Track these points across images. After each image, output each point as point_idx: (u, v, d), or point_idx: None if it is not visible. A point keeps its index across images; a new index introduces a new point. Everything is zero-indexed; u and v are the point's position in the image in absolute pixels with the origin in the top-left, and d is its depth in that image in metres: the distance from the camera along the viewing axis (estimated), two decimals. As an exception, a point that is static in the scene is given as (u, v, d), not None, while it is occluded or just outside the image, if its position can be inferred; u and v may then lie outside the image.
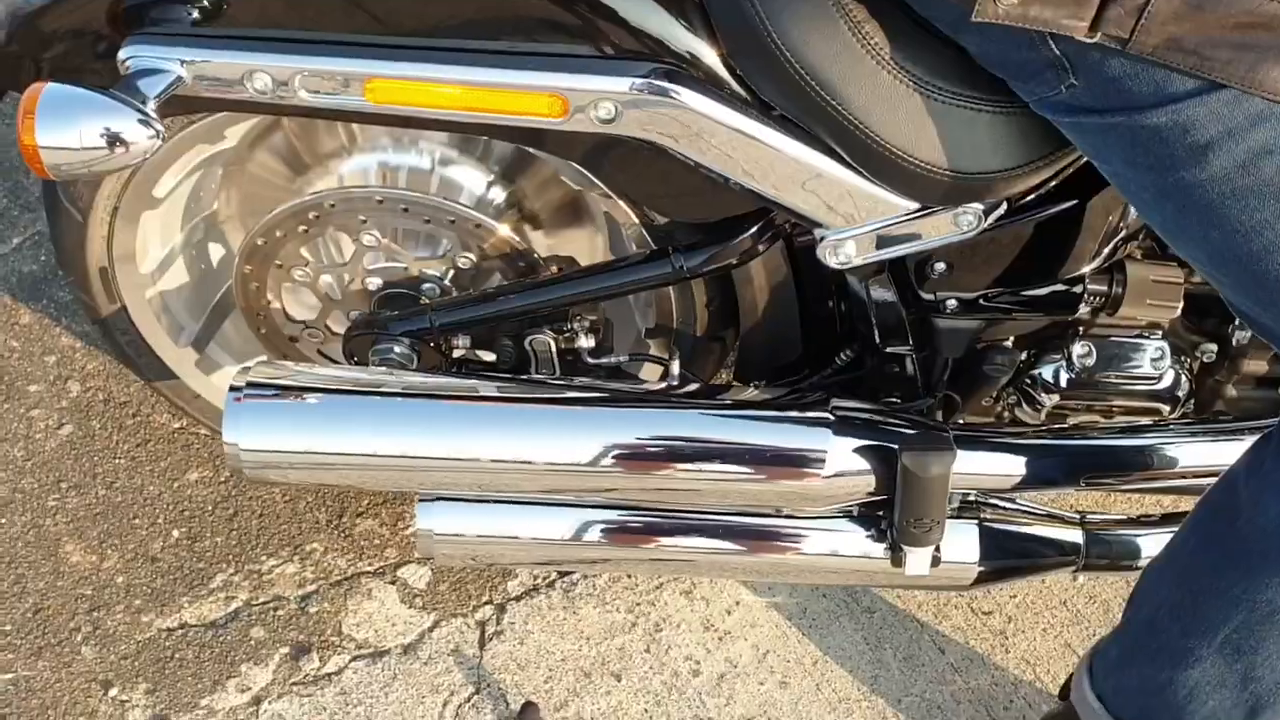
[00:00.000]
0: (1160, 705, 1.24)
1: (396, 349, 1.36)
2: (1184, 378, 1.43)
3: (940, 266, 1.26)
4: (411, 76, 1.09)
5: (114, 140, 1.02)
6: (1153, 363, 1.40)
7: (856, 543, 1.35)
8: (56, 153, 1.01)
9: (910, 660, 1.67)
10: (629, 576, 1.72)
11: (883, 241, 1.20)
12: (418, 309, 1.36)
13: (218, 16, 1.10)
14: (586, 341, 1.36)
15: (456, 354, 1.38)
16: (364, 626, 1.64)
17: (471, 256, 1.37)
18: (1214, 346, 1.43)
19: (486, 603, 1.68)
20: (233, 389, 1.25)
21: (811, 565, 1.37)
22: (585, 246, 1.46)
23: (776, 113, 1.13)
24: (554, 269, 1.38)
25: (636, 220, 1.30)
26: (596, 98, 1.09)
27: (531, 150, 1.26)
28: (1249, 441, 1.23)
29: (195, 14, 1.10)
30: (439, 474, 1.27)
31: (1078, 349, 1.39)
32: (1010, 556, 1.41)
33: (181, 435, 1.82)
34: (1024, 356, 1.39)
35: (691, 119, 1.10)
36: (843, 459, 1.28)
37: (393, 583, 1.69)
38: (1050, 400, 1.43)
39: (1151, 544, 1.44)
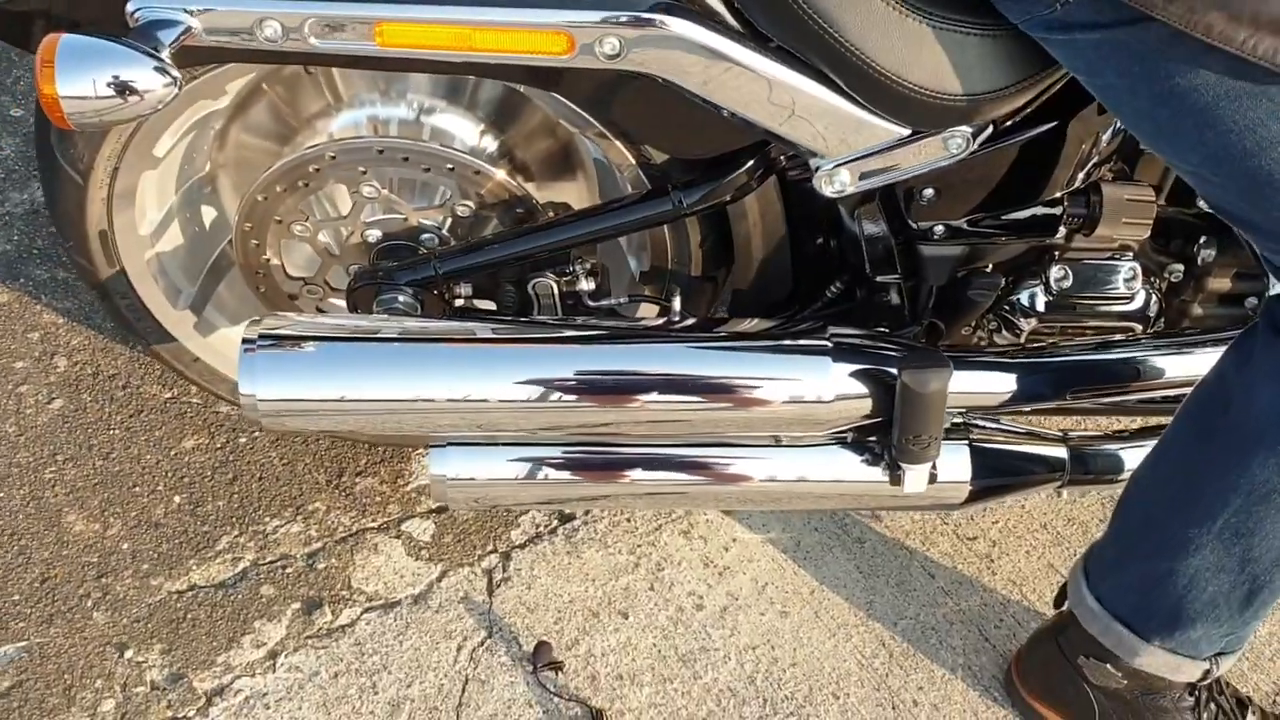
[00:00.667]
0: (1160, 597, 1.31)
1: (401, 298, 1.38)
2: (1154, 297, 1.49)
3: (929, 193, 1.31)
4: (421, 19, 1.11)
5: (132, 88, 1.04)
6: (1125, 283, 1.46)
7: (854, 466, 1.40)
8: (76, 102, 1.03)
9: (902, 586, 1.73)
10: (628, 519, 1.76)
11: (875, 169, 1.24)
12: (421, 257, 1.39)
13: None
14: (587, 284, 1.40)
15: (459, 302, 1.41)
16: (373, 580, 1.67)
17: (470, 204, 1.40)
18: (1180, 267, 1.50)
19: (491, 551, 1.71)
20: (245, 341, 1.27)
21: (812, 491, 1.41)
22: (576, 192, 1.50)
23: (774, 44, 1.17)
24: (550, 214, 1.41)
25: (633, 160, 1.33)
26: (602, 33, 1.12)
27: (527, 93, 1.29)
28: (1219, 351, 1.30)
29: None
30: (450, 415, 1.30)
31: (1055, 272, 1.45)
32: (999, 474, 1.47)
33: (174, 405, 1.83)
34: (1004, 282, 1.45)
35: (693, 52, 1.14)
36: (842, 383, 1.32)
37: (397, 537, 1.72)
38: (1029, 324, 1.49)
39: (1131, 457, 1.51)
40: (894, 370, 1.30)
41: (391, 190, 1.38)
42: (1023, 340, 1.51)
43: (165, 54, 1.06)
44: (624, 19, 1.12)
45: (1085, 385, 1.44)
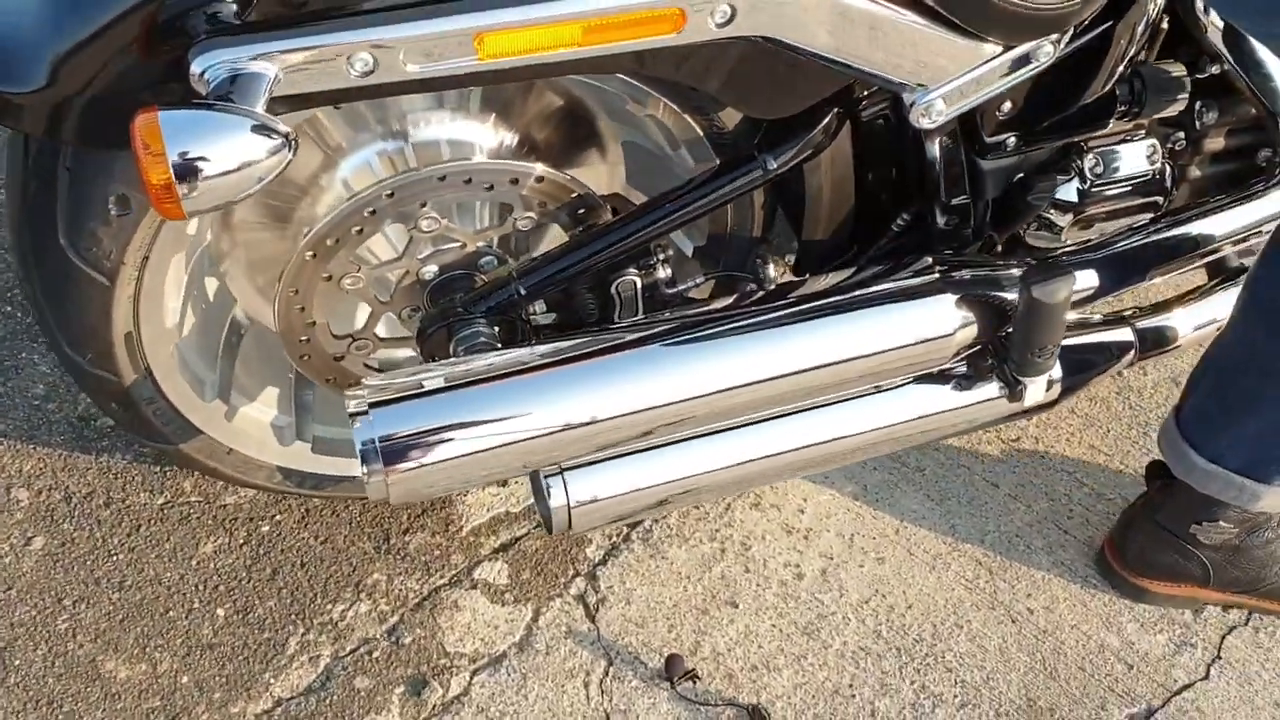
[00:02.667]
0: (1276, 440, 1.36)
1: (481, 331, 1.26)
2: (1169, 168, 1.53)
3: (1006, 106, 1.30)
4: (523, 21, 1.00)
5: (249, 157, 0.88)
6: (1148, 159, 1.50)
7: (971, 392, 1.39)
8: (194, 185, 0.87)
9: (974, 503, 1.74)
10: (697, 508, 1.70)
11: (970, 92, 1.22)
12: (498, 281, 1.28)
13: (261, 4, 0.97)
14: (664, 273, 1.32)
15: (540, 322, 1.30)
16: (467, 639, 1.55)
17: (532, 215, 1.29)
18: (1182, 134, 1.54)
19: (575, 576, 1.62)
20: (355, 415, 1.13)
21: (931, 426, 1.40)
22: (608, 179, 1.41)
23: (869, -20, 1.11)
24: (609, 207, 1.32)
25: (700, 133, 1.26)
26: (714, 2, 1.04)
27: (547, 85, 1.19)
28: (1248, 205, 1.37)
29: (222, 5, 0.96)
30: (584, 435, 1.21)
31: (1089, 162, 1.47)
32: (1085, 368, 1.49)
33: (171, 510, 1.64)
34: (1054, 183, 1.45)
35: (799, 3, 1.07)
36: (961, 313, 1.31)
37: (474, 587, 1.60)
38: (1067, 220, 1.50)
39: (1185, 322, 1.55)
40: (1012, 288, 1.28)
41: (452, 219, 1.26)
42: (1064, 238, 1.52)
43: (262, 109, 0.91)
44: (737, -19, 1.04)
45: (1148, 267, 1.46)
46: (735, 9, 1.05)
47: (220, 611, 1.55)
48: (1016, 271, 1.29)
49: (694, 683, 1.52)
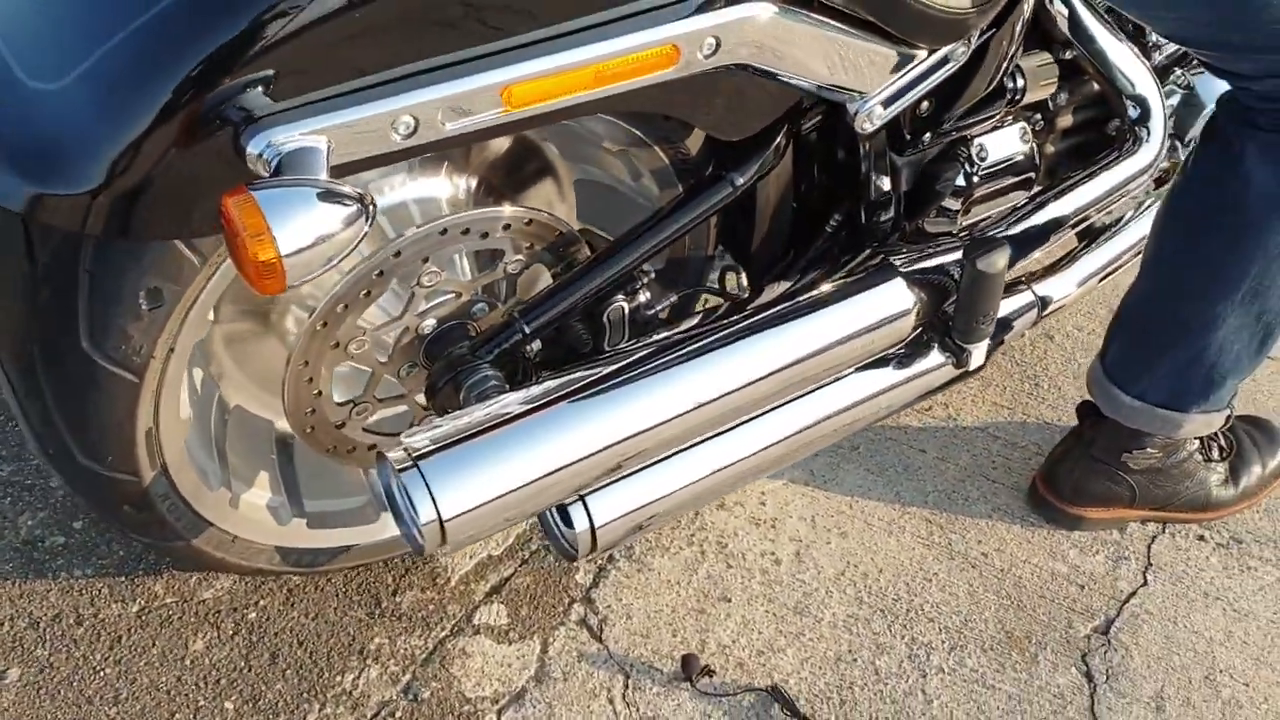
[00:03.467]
0: (1195, 373, 1.55)
1: (490, 375, 1.31)
2: (1034, 148, 1.73)
3: (924, 105, 1.44)
4: (542, 71, 1.06)
5: (341, 222, 0.92)
6: (1021, 140, 1.69)
7: (925, 362, 1.52)
8: (299, 258, 0.89)
9: (909, 470, 1.89)
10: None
11: (901, 94, 1.36)
12: (500, 325, 1.32)
13: (302, 81, 1.00)
14: (644, 296, 1.40)
15: (538, 359, 1.36)
16: (485, 682, 1.57)
17: (520, 258, 1.34)
18: (1040, 116, 1.74)
19: (572, 603, 1.67)
20: (398, 468, 1.16)
21: (891, 399, 1.52)
22: (569, 218, 1.48)
23: (816, 3, 1.23)
24: (585, 242, 1.39)
25: (666, 161, 1.35)
26: (702, 36, 1.14)
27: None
28: (1113, 171, 1.58)
29: (266, 87, 0.99)
30: (620, 453, 1.27)
31: (974, 150, 1.63)
32: (1004, 330, 1.66)
33: (149, 615, 1.59)
34: (955, 171, 1.62)
35: (772, 31, 1.18)
36: (914, 294, 1.44)
37: (477, 632, 1.63)
38: (959, 204, 1.67)
39: (1070, 279, 1.74)
40: (957, 265, 1.43)
41: (450, 271, 1.30)
42: (961, 222, 1.69)
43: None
44: (716, 17, 1.14)
45: (1043, 237, 1.65)
46: (719, 40, 1.15)
47: (229, 705, 1.52)
48: (954, 252, 1.44)
49: (710, 677, 1.59)
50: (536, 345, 1.36)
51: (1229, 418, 1.65)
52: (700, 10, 1.12)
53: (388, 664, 1.57)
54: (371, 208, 0.93)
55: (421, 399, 1.42)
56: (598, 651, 1.61)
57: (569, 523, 1.35)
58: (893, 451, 1.90)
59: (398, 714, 1.53)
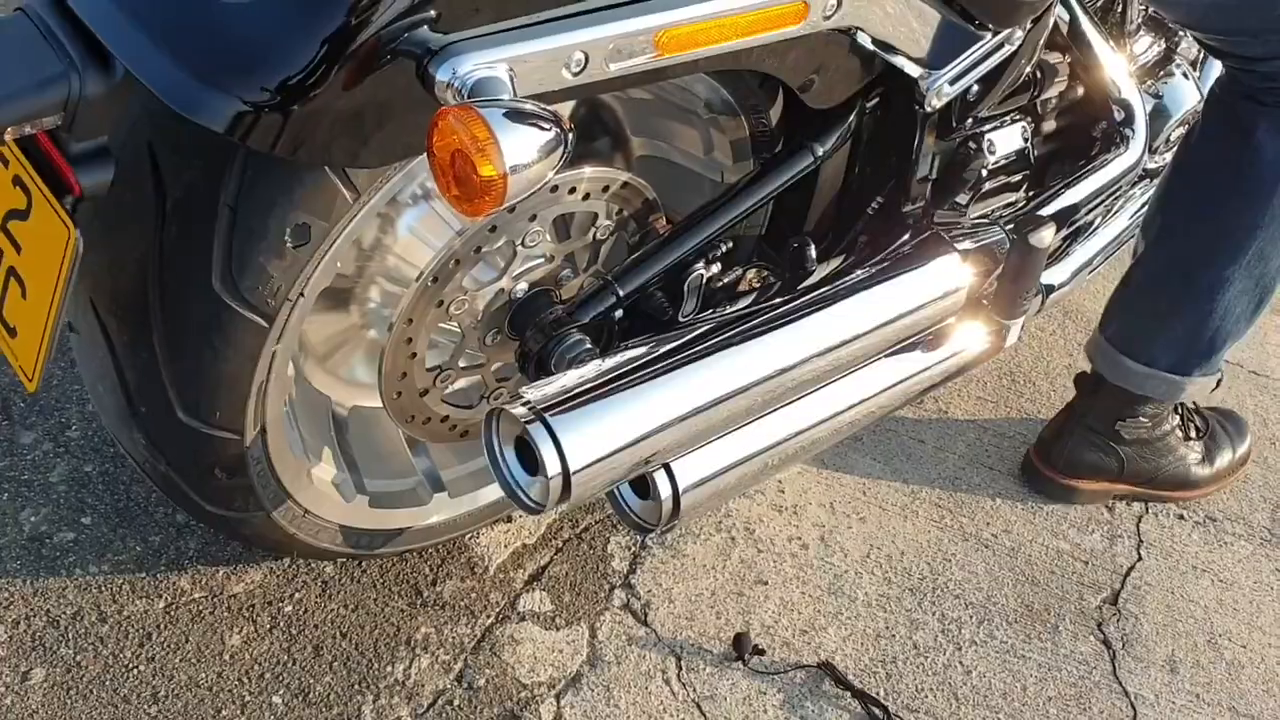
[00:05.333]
0: (1200, 337, 1.67)
1: (583, 340, 1.31)
2: (1031, 146, 1.83)
3: (975, 88, 1.52)
4: (695, 18, 1.08)
5: (551, 142, 0.91)
6: (1023, 137, 1.79)
7: (967, 340, 1.58)
8: (521, 174, 0.88)
9: (912, 458, 1.95)
10: (705, 515, 1.78)
11: (966, 72, 1.43)
12: (594, 290, 1.32)
13: (478, 15, 1.00)
14: (719, 266, 1.43)
15: (620, 327, 1.36)
16: (540, 668, 1.54)
17: (610, 223, 1.35)
18: (1030, 118, 1.85)
19: (613, 589, 1.66)
20: (524, 420, 1.14)
21: (941, 370, 1.57)
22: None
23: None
24: (662, 212, 1.41)
25: (747, 131, 1.38)
26: (826, -5, 1.18)
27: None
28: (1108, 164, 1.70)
29: (442, 19, 0.98)
30: (711, 417, 1.28)
31: (986, 143, 1.73)
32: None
33: (178, 611, 1.50)
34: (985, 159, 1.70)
35: (883, -2, 1.23)
36: (969, 267, 1.51)
37: (523, 619, 1.60)
38: (1000, 184, 1.75)
39: (1066, 269, 1.85)
40: (1004, 239, 1.50)
41: (549, 232, 1.29)
42: (968, 209, 1.77)
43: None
44: (839, -25, 1.18)
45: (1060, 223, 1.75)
46: (841, 1, 1.19)
47: (276, 699, 1.45)
48: (998, 228, 1.51)
49: (761, 655, 1.59)
50: (620, 313, 1.35)
51: (1219, 382, 1.77)
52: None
53: (438, 653, 1.52)
54: (571, 132, 0.92)
55: (496, 369, 1.40)
56: (645, 635, 1.60)
57: (648, 494, 1.34)
58: (894, 442, 1.96)
59: (455, 702, 1.48)
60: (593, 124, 1.41)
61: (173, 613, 1.49)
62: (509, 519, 1.70)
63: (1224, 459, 1.93)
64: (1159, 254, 1.67)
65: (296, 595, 1.55)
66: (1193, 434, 1.90)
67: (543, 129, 0.90)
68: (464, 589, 1.60)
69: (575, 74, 1.02)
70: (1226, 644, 1.75)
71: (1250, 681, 1.70)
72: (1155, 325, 1.69)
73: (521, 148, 0.88)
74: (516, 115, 0.89)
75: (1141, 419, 1.79)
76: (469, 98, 0.93)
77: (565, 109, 1.37)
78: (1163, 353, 1.70)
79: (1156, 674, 1.69)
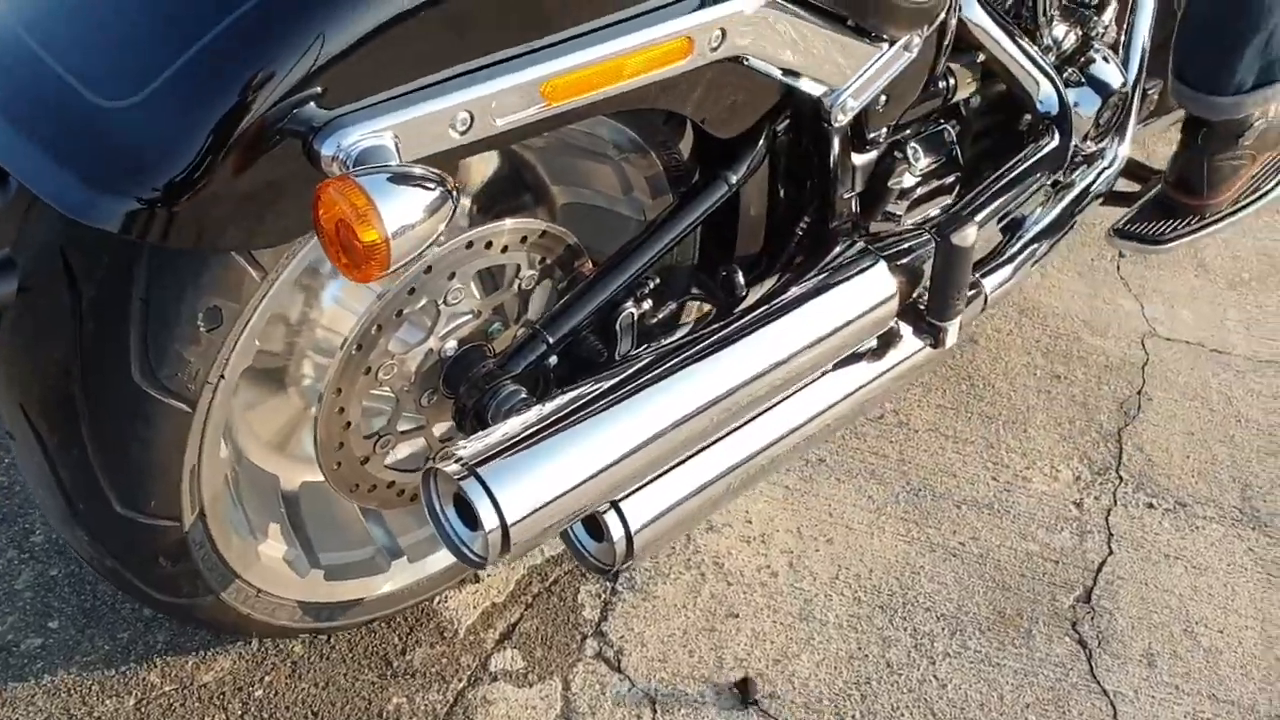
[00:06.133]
0: (1276, 41, 1.71)
1: (517, 390, 1.32)
2: (957, 147, 1.86)
3: (883, 99, 1.54)
4: (576, 65, 1.11)
5: (435, 204, 0.93)
6: (948, 143, 1.82)
7: (906, 346, 1.59)
8: (403, 238, 0.90)
9: (874, 475, 1.96)
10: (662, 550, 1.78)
11: (867, 84, 1.45)
12: (524, 340, 1.33)
13: (360, 87, 1.02)
14: (649, 303, 1.44)
15: (555, 373, 1.38)
16: (515, 725, 1.54)
17: (534, 272, 1.36)
18: (954, 121, 1.87)
19: (585, 639, 1.65)
20: (457, 477, 1.15)
21: (885, 382, 1.58)
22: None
23: (793, -2, 1.32)
24: (586, 255, 1.43)
25: (660, 167, 1.40)
26: (710, 28, 1.20)
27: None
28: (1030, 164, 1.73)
29: (326, 96, 1.00)
30: (651, 453, 1.29)
31: (910, 151, 1.75)
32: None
33: (149, 707, 1.50)
34: (902, 168, 1.72)
35: (770, 24, 1.26)
36: (897, 277, 1.52)
37: (495, 680, 1.59)
38: (903, 204, 1.78)
39: (1005, 273, 1.86)
40: (931, 244, 1.52)
41: (470, 288, 1.31)
42: (924, 210, 1.78)
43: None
44: (725, 10, 1.21)
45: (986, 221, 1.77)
46: (725, 32, 1.21)
47: (254, 783, 1.44)
48: (924, 235, 1.53)
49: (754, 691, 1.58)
50: (554, 359, 1.36)
51: None
52: (704, 4, 1.19)
53: (412, 721, 1.52)
54: (456, 191, 0.94)
55: (438, 431, 1.41)
56: (619, 682, 1.60)
57: (600, 535, 1.35)
58: (857, 459, 1.97)
59: (433, 769, 1.47)
60: (513, 179, 1.43)
61: (143, 709, 1.49)
62: (476, 579, 1.70)
63: None
64: (1201, 6, 1.72)
65: (266, 678, 1.54)
66: None
67: (426, 189, 0.92)
68: (434, 655, 1.60)
69: (462, 133, 1.04)
70: (1203, 631, 1.75)
71: (1229, 667, 1.69)
72: (1225, 58, 1.75)
73: (402, 211, 0.89)
74: (397, 179, 0.90)
75: (1257, 123, 1.85)
76: (354, 168, 0.94)
77: (488, 167, 1.40)
78: (1246, 76, 1.75)
79: (1134, 669, 1.68)
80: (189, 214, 0.92)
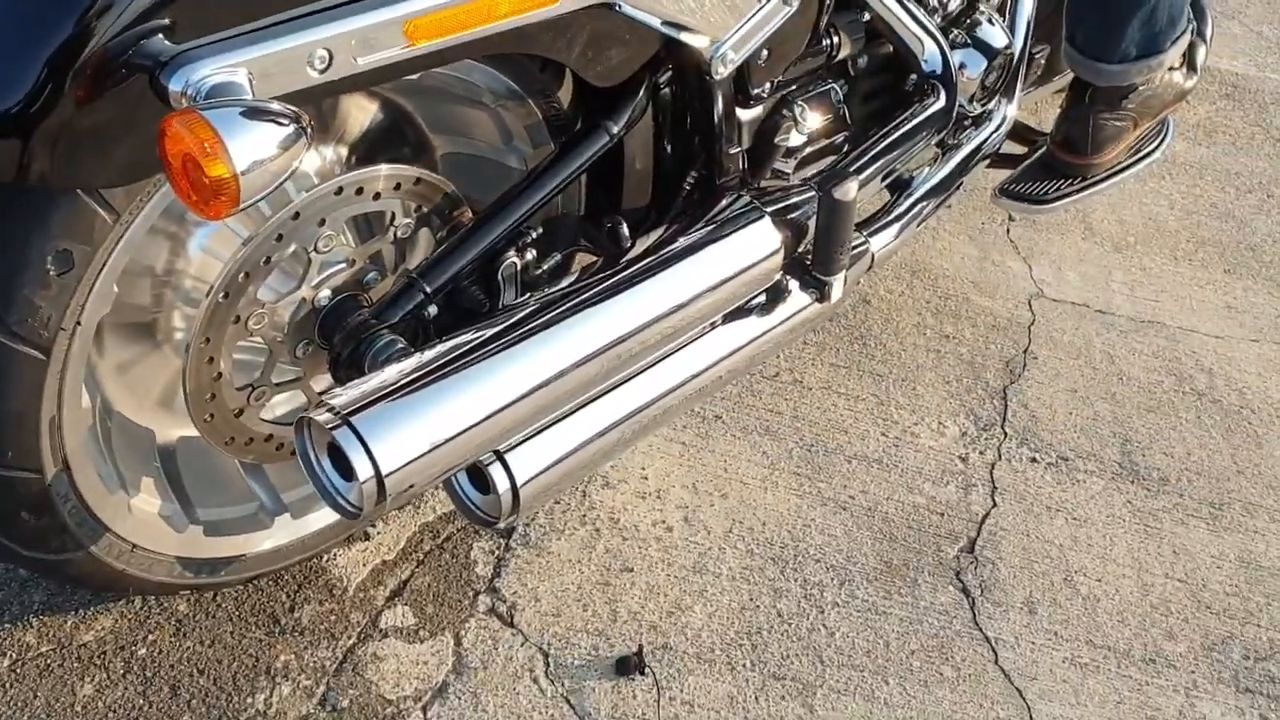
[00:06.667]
0: (1161, 13, 1.79)
1: (395, 340, 1.31)
2: (844, 105, 1.87)
3: (764, 54, 1.55)
4: (442, 4, 1.10)
5: (286, 139, 0.92)
6: (836, 103, 1.84)
7: (793, 301, 1.61)
8: (253, 174, 0.89)
9: (770, 431, 1.98)
10: (555, 502, 1.79)
11: (748, 37, 1.46)
12: (400, 289, 1.32)
13: (208, 20, 1.01)
14: (532, 253, 1.44)
15: (435, 323, 1.37)
16: (403, 682, 1.54)
17: (410, 220, 1.35)
18: (850, 71, 1.88)
19: (477, 594, 1.66)
20: (328, 426, 1.14)
21: (773, 336, 1.60)
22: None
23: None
24: (465, 205, 1.42)
25: (540, 115, 1.40)
26: (578, -29, 1.20)
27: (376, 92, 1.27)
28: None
29: (174, 29, 0.98)
30: (534, 402, 1.29)
31: (797, 109, 1.77)
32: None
33: (25, 668, 1.47)
34: (786, 125, 1.74)
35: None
36: (780, 231, 1.54)
37: (385, 636, 1.59)
38: (791, 162, 1.80)
39: (895, 230, 1.89)
40: (814, 199, 1.54)
41: (345, 234, 1.29)
42: (807, 167, 1.80)
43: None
44: (595, -46, 1.21)
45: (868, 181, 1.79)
46: (589, -24, 1.21)
47: (133, 745, 1.42)
48: (808, 190, 1.54)
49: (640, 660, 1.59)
50: (434, 310, 1.36)
51: (1192, 30, 1.89)
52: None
53: (298, 679, 1.51)
54: (310, 128, 0.93)
55: (316, 385, 1.40)
56: (512, 637, 1.60)
57: (486, 488, 1.35)
58: (752, 415, 1.99)
59: (319, 725, 1.46)
60: (391, 127, 1.42)
61: (19, 670, 1.46)
62: (366, 536, 1.69)
63: (1200, 54, 2.05)
64: None
65: (150, 637, 1.52)
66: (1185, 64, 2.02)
67: (279, 124, 0.91)
68: (323, 612, 1.59)
69: (321, 71, 1.03)
70: (1082, 580, 1.80)
71: (1105, 614, 1.74)
72: (1115, 28, 1.80)
73: (252, 146, 0.88)
74: (249, 114, 0.89)
75: (1142, 88, 1.91)
76: (214, 92, 0.93)
77: (365, 115, 1.39)
78: (1130, 46, 1.82)
79: (1015, 616, 1.73)
80: (28, 148, 0.90)
